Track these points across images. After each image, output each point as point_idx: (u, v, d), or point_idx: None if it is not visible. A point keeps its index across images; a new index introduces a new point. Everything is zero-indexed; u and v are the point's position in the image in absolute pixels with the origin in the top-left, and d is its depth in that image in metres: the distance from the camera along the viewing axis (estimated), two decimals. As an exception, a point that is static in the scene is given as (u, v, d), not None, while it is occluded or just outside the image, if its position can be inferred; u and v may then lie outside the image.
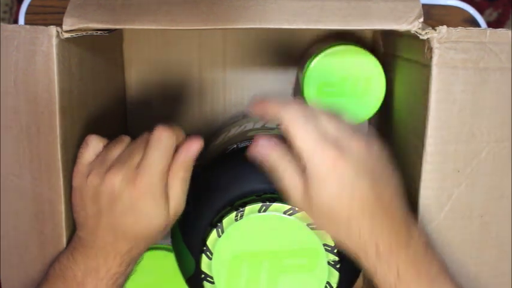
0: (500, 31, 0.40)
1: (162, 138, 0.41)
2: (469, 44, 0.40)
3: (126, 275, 0.43)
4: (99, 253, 0.41)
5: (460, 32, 0.40)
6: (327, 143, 0.37)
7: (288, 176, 0.38)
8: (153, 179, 0.40)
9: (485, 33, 0.40)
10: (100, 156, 0.43)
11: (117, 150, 0.43)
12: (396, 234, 0.38)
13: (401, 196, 0.40)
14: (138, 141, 0.43)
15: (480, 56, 0.40)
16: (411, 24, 0.40)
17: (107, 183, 0.40)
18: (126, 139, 0.44)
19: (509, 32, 0.41)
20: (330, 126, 0.39)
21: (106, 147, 0.44)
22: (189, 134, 0.43)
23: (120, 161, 0.42)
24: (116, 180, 0.40)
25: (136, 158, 0.41)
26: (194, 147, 0.42)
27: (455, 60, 0.40)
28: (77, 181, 0.43)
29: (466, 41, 0.40)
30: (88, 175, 0.42)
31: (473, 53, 0.40)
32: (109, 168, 0.41)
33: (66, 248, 0.43)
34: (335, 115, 0.40)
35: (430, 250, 0.40)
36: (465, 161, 0.42)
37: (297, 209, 0.40)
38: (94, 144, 0.43)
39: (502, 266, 0.45)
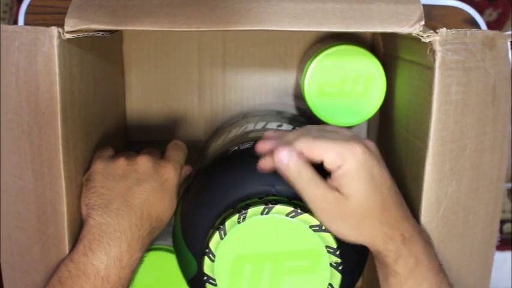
0: (475, 30, 0.41)
1: (180, 144, 0.50)
2: (458, 45, 0.41)
3: (139, 264, 0.44)
4: (123, 237, 0.42)
5: (455, 33, 0.40)
6: (349, 140, 0.39)
7: (314, 185, 0.38)
8: (176, 168, 0.46)
9: (466, 34, 0.41)
10: (122, 151, 0.48)
11: (133, 152, 0.48)
12: (413, 224, 0.41)
13: None
14: (151, 148, 0.49)
15: (465, 56, 0.41)
16: (412, 27, 0.40)
17: (139, 163, 0.45)
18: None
19: (479, 30, 0.42)
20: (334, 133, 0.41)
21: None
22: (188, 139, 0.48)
23: (145, 152, 0.47)
24: (147, 160, 0.45)
25: (158, 154, 0.47)
26: (189, 169, 0.50)
27: (451, 62, 0.41)
28: (100, 166, 0.45)
29: (456, 43, 0.41)
30: (117, 159, 0.45)
31: (461, 53, 0.41)
32: (138, 154, 0.46)
33: (76, 246, 0.42)
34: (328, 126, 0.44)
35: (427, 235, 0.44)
36: (456, 159, 0.43)
37: (299, 211, 0.40)
38: (111, 149, 0.48)
39: (475, 253, 0.46)
